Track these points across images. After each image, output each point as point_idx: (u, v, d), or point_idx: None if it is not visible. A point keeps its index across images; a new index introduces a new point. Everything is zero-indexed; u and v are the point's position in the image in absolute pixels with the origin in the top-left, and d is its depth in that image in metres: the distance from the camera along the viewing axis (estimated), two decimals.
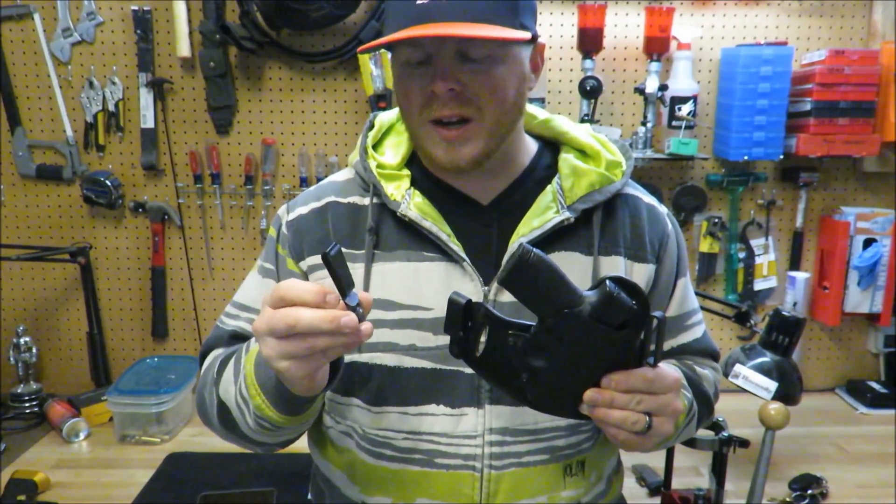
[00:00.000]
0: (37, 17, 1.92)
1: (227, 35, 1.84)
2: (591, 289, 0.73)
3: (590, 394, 0.74)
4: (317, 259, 0.94)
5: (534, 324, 0.74)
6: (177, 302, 2.10)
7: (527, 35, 0.84)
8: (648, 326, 0.73)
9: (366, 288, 0.91)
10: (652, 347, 0.74)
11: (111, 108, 1.96)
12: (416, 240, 0.91)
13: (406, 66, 0.86)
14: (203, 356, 1.00)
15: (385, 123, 1.01)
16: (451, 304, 0.75)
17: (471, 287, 0.90)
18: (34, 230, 2.04)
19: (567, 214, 0.91)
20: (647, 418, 0.75)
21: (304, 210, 0.97)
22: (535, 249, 0.69)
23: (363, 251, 0.92)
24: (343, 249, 0.70)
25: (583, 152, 0.98)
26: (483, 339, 0.76)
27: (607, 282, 0.71)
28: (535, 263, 0.69)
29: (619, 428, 0.75)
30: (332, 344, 0.68)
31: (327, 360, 0.72)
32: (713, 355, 1.07)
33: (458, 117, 0.85)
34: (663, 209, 1.02)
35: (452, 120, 0.85)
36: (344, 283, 0.69)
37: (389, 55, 0.94)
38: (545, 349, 0.74)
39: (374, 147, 0.98)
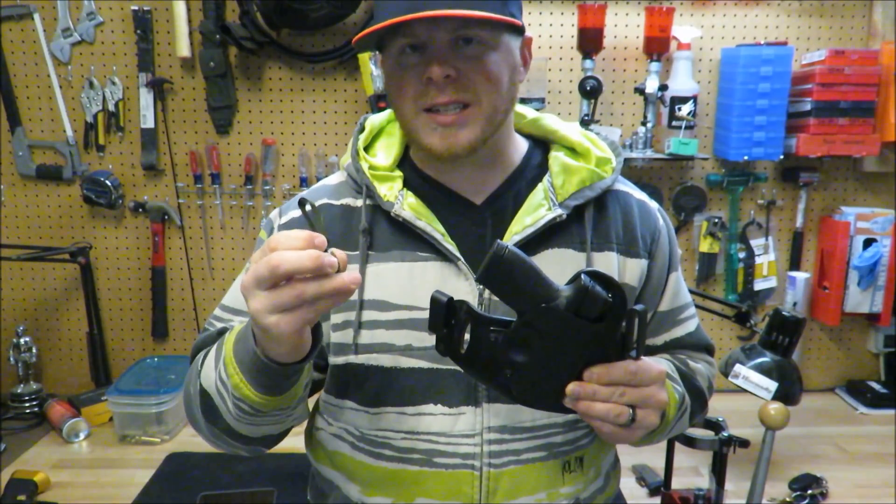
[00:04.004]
0: (37, 17, 1.92)
1: (227, 35, 1.84)
2: (568, 283, 0.74)
3: (572, 387, 0.75)
4: None
5: (514, 319, 0.74)
6: (177, 302, 2.10)
7: (518, 21, 0.85)
8: (629, 319, 0.73)
9: (361, 289, 0.91)
10: (634, 340, 0.75)
11: (111, 108, 1.96)
12: (410, 240, 0.91)
13: (399, 57, 0.86)
14: (192, 359, 0.97)
15: (376, 126, 1.00)
16: (434, 302, 0.75)
17: (465, 286, 0.90)
18: (34, 230, 2.04)
19: (559, 211, 0.91)
20: (631, 411, 0.76)
21: (296, 214, 0.97)
22: (509, 246, 0.70)
23: (357, 252, 0.92)
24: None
25: (573, 150, 0.98)
26: (467, 336, 0.76)
27: (582, 275, 0.72)
28: (509, 259, 0.70)
29: (603, 420, 0.76)
30: (319, 291, 0.66)
31: (316, 314, 0.69)
32: (707, 349, 1.07)
33: (455, 103, 0.85)
34: (654, 205, 1.02)
35: (449, 107, 0.85)
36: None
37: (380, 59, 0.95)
38: (525, 344, 0.74)
39: (366, 149, 0.98)
